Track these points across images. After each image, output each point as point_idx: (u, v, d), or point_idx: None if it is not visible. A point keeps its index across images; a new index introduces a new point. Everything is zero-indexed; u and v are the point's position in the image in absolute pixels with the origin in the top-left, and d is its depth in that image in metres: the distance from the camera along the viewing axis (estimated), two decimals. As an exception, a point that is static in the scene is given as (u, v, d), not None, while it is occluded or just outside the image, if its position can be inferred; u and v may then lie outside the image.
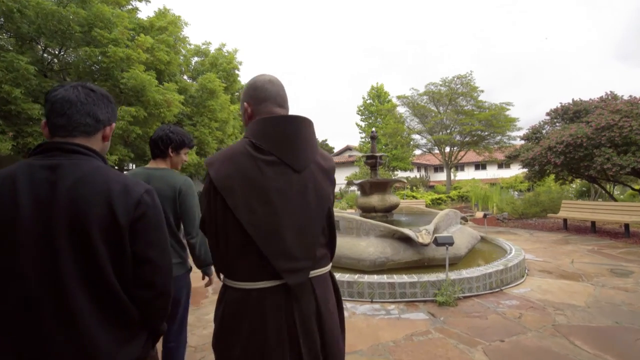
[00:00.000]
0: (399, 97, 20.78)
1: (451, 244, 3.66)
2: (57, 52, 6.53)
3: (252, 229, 0.95)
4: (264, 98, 1.10)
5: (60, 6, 5.80)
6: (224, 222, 0.98)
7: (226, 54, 10.88)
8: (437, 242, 3.66)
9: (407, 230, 4.27)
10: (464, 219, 5.94)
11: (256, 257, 0.97)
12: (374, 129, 6.21)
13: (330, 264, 1.14)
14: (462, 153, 21.35)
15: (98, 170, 0.88)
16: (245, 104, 1.13)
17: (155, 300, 0.93)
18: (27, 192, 0.81)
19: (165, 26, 7.87)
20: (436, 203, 14.97)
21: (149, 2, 8.53)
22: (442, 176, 36.89)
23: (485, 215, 7.00)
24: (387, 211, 5.84)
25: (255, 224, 0.96)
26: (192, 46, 10.81)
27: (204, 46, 10.88)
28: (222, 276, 1.07)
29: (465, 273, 3.79)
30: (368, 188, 5.91)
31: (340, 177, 24.07)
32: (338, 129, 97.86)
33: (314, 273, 1.04)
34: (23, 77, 5.49)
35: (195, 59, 11.05)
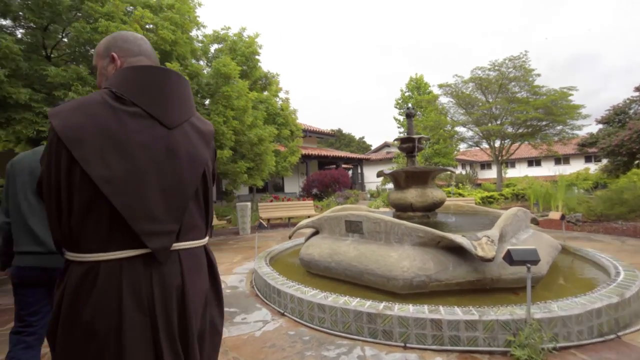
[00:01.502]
0: (440, 86, 18.79)
1: (535, 262, 2.27)
2: (60, 36, 5.94)
3: (106, 187, 0.83)
4: (138, 52, 1.03)
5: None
6: (68, 182, 0.84)
7: (246, 39, 10.02)
8: (510, 258, 2.29)
9: (458, 238, 2.93)
10: (535, 221, 4.40)
11: (107, 220, 0.84)
12: (409, 105, 4.87)
13: (206, 239, 1.04)
14: (514, 147, 18.86)
15: None
16: (113, 54, 1.01)
17: None
18: None
19: (172, 4, 7.10)
20: (487, 202, 13.03)
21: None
22: (490, 173, 33.77)
23: (563, 217, 5.32)
24: (429, 210, 4.48)
25: (111, 181, 0.83)
26: (211, 32, 10.09)
27: (222, 31, 10.12)
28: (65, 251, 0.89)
29: (557, 308, 2.38)
30: (403, 180, 4.59)
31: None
32: (375, 127, 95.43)
33: (182, 245, 0.94)
34: (6, 57, 4.90)
35: (215, 46, 10.33)
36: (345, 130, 50.07)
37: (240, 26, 12.32)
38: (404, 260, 3.04)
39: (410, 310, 2.42)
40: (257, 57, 9.93)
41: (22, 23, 5.83)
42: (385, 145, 32.33)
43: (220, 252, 6.38)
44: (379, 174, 4.87)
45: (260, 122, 10.17)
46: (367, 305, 2.55)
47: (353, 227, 3.73)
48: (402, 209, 4.60)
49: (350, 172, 26.05)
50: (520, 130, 17.74)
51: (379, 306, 2.51)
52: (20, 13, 5.51)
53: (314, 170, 20.97)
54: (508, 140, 18.49)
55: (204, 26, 8.68)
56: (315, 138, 23.56)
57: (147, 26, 6.38)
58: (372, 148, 40.96)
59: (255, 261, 4.26)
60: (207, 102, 8.48)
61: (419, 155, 22.69)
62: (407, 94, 24.85)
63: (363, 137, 48.02)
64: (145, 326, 0.83)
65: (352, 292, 3.18)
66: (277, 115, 13.73)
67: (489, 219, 4.41)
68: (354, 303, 2.60)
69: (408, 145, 4.74)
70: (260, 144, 9.58)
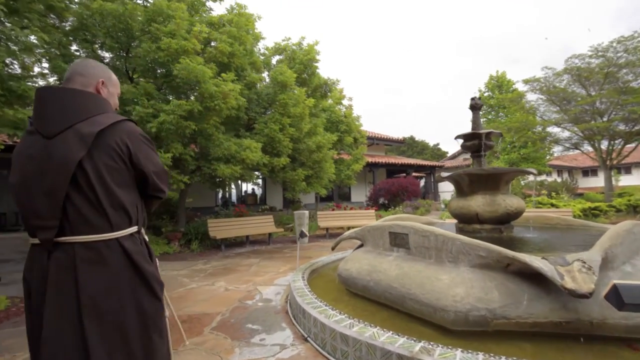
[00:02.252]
0: (526, 82, 16.37)
1: (665, 306, 1.44)
2: (125, 54, 6.62)
3: (11, 192, 1.15)
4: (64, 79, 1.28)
5: (121, 5, 5.76)
6: None
7: (305, 47, 10.03)
8: (619, 298, 1.49)
9: (536, 260, 2.15)
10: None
11: (24, 217, 1.14)
12: (475, 96, 4.04)
13: (115, 233, 1.15)
14: (628, 148, 15.30)
15: None
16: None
17: None
18: None
19: (231, 18, 7.40)
20: (590, 214, 10.68)
21: (222, 0, 8.36)
22: (595, 181, 28.35)
23: None
24: (501, 222, 3.59)
25: (13, 187, 1.13)
26: (272, 44, 10.38)
27: (283, 42, 10.32)
28: None
29: None
30: (467, 185, 3.79)
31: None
32: (451, 132, 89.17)
33: (75, 239, 1.10)
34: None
35: (277, 57, 10.59)
36: (417, 137, 47.64)
37: (300, 35, 12.44)
38: (458, 286, 2.35)
39: (457, 357, 1.77)
40: (315, 64, 9.84)
41: (107, 50, 6.63)
42: (463, 151, 29.61)
43: (270, 261, 6.23)
44: (438, 178, 4.13)
45: (320, 129, 10.02)
46: (399, 343, 1.96)
47: (398, 241, 3.13)
48: (465, 220, 3.80)
49: (422, 181, 24.41)
50: (636, 128, 14.36)
51: (414, 347, 1.91)
52: (105, 41, 6.27)
53: (381, 179, 20.13)
54: (619, 140, 15.14)
55: (263, 38, 8.93)
56: (383, 146, 22.72)
57: (212, 43, 6.70)
58: (448, 155, 37.99)
59: (293, 273, 3.92)
60: (268, 111, 8.61)
61: (500, 160, 20.17)
62: (486, 94, 22.46)
63: (438, 144, 45.00)
64: (40, 287, 1.10)
65: (392, 321, 2.60)
66: (340, 123, 13.50)
67: (590, 236, 3.34)
68: (383, 338, 2.04)
69: (473, 142, 3.92)
70: (318, 151, 9.38)
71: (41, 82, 6.29)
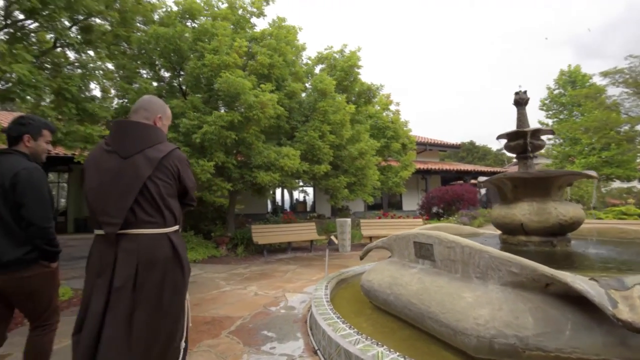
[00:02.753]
0: (605, 74, 14.26)
1: None
2: (176, 73, 7.21)
3: (87, 194, 1.51)
4: (132, 110, 1.69)
5: (170, 28, 6.31)
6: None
7: (347, 54, 9.99)
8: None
9: (581, 282, 1.76)
10: None
11: (93, 214, 1.50)
12: (520, 90, 3.56)
13: (166, 229, 1.53)
14: None
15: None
16: None
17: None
18: None
19: (272, 32, 7.67)
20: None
21: (265, 16, 8.71)
22: None
23: None
24: (553, 233, 3.07)
25: (89, 190, 1.50)
26: (315, 54, 10.53)
27: (326, 51, 10.41)
28: None
29: None
30: (510, 190, 3.34)
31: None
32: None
33: (140, 231, 1.47)
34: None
35: (320, 66, 10.71)
36: (478, 142, 44.40)
37: (342, 43, 12.45)
38: (483, 306, 2.03)
39: (467, 391, 1.50)
40: (357, 70, 9.73)
41: (163, 69, 7.30)
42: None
43: (307, 268, 6.18)
44: (478, 185, 3.72)
45: (365, 135, 9.83)
46: (401, 368, 1.73)
47: (423, 252, 2.84)
48: (509, 231, 3.33)
49: (483, 189, 22.54)
50: None
51: (417, 373, 1.67)
52: (160, 62, 6.92)
53: (435, 186, 19.05)
54: None
55: (304, 49, 9.09)
56: (437, 152, 21.56)
57: (254, 57, 6.99)
58: (514, 160, 34.70)
59: (319, 283, 3.80)
60: (310, 119, 8.71)
61: (576, 165, 17.83)
62: (556, 91, 20.12)
63: (502, 149, 41.46)
64: (102, 265, 1.44)
65: (411, 342, 2.35)
66: (387, 129, 13.13)
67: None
68: (387, 359, 1.82)
69: (517, 142, 3.44)
70: (361, 158, 9.19)
71: (114, 104, 7.15)
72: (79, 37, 6.28)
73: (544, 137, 3.54)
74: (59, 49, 6.00)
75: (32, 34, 5.53)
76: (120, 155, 1.50)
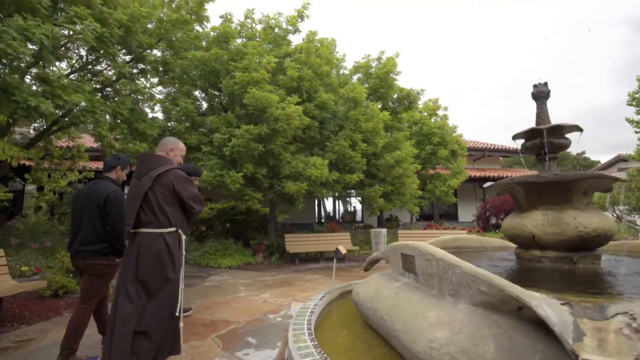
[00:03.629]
0: None
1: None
2: (215, 92, 7.81)
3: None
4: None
5: (208, 52, 6.91)
6: None
7: (384, 60, 9.80)
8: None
9: (545, 306, 1.46)
10: None
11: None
12: (540, 82, 3.11)
13: (161, 229, 2.12)
14: None
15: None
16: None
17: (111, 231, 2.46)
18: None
19: (302, 46, 7.89)
20: None
21: (300, 31, 9.01)
22: None
23: None
24: (574, 248, 2.59)
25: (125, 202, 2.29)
26: (352, 64, 10.53)
27: (363, 59, 10.34)
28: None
29: None
30: (523, 197, 2.92)
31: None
32: (603, 138, 70.70)
33: (144, 230, 2.12)
34: (186, 114, 6.83)
35: (357, 75, 10.67)
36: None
37: (379, 50, 12.26)
38: (442, 327, 1.80)
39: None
40: (393, 75, 9.48)
41: (201, 89, 7.98)
42: (619, 159, 23.03)
43: (331, 278, 6.08)
44: (485, 187, 3.32)
45: (406, 143, 9.48)
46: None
47: (408, 264, 2.63)
48: (521, 245, 2.90)
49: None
50: None
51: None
52: (198, 83, 7.59)
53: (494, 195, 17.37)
54: None
55: (341, 60, 9.16)
56: (497, 158, 19.74)
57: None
58: (599, 164, 29.94)
59: (319, 294, 3.73)
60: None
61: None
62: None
63: (583, 153, 36.21)
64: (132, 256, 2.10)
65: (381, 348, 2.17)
66: (433, 135, 12.46)
67: None
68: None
69: (534, 142, 3.00)
70: (398, 166, 8.84)
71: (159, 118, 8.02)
72: (133, 69, 7.24)
73: (569, 135, 3.04)
74: (120, 81, 6.96)
75: (97, 74, 6.54)
76: (137, 177, 2.20)
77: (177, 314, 2.10)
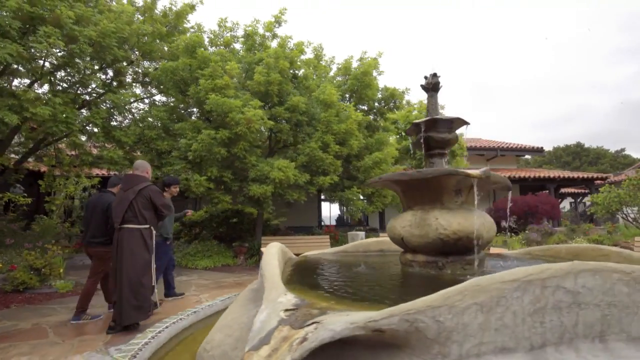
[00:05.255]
0: None
1: None
2: (185, 99, 8.07)
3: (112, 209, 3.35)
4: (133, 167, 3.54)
5: (176, 62, 7.19)
6: None
7: (368, 60, 9.63)
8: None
9: (264, 312, 1.37)
10: None
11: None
12: (431, 73, 2.92)
13: (139, 225, 3.21)
14: None
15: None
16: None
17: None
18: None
19: (274, 51, 7.95)
20: None
21: (277, 37, 9.08)
22: None
23: None
24: (442, 252, 2.39)
25: (112, 207, 3.32)
26: (336, 66, 10.46)
27: (345, 60, 10.22)
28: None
29: None
30: (402, 196, 2.75)
31: None
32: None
33: (127, 226, 3.18)
34: (161, 121, 7.14)
35: (343, 77, 10.57)
36: (593, 144, 36.69)
37: (361, 50, 12.06)
38: (221, 330, 1.73)
39: None
40: (375, 74, 9.28)
41: (171, 95, 8.26)
42: (658, 155, 20.98)
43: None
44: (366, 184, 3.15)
45: (392, 143, 9.25)
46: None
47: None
48: (400, 247, 2.73)
49: (586, 198, 18.43)
50: None
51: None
52: (170, 90, 7.87)
53: (513, 197, 16.41)
54: None
55: (327, 61, 9.09)
56: (513, 157, 18.67)
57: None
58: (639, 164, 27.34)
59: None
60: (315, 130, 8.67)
61: None
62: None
63: (623, 149, 33.34)
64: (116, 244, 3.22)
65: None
66: (427, 134, 12.00)
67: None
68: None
69: (418, 137, 2.82)
70: (377, 168, 8.62)
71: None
72: (112, 81, 7.66)
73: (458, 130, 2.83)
74: (102, 95, 7.37)
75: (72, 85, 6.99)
76: (123, 190, 3.28)
77: (152, 284, 3.32)
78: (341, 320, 1.16)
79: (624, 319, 1.30)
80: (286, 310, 1.36)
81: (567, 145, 35.65)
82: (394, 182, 2.66)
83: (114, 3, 7.66)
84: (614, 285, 1.27)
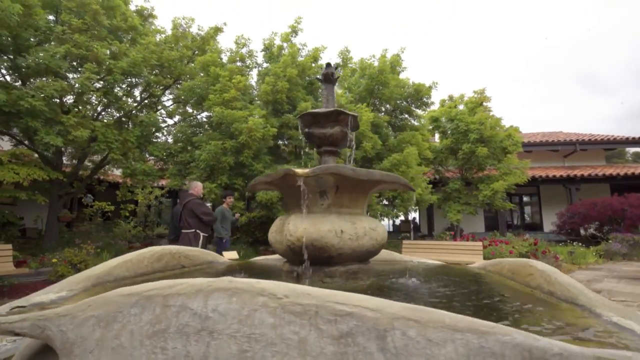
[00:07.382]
0: None
1: None
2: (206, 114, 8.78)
3: (173, 216, 5.04)
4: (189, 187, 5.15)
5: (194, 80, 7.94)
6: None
7: (388, 58, 9.16)
8: None
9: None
10: None
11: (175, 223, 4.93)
12: (331, 63, 2.67)
13: (187, 230, 4.60)
14: None
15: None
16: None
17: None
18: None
19: (285, 60, 8.16)
20: None
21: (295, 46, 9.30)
22: None
23: None
24: (300, 261, 2.17)
25: (172, 214, 5.17)
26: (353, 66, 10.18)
27: (367, 60, 9.85)
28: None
29: None
30: (287, 197, 2.58)
31: None
32: None
33: (185, 231, 4.61)
34: (184, 134, 7.98)
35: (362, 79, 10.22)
36: None
37: (382, 48, 11.45)
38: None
39: None
40: (389, 74, 8.74)
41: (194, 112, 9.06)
42: None
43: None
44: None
45: (422, 144, 8.64)
46: None
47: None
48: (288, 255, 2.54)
49: None
50: None
51: None
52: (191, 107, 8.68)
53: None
54: None
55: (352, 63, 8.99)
56: (600, 151, 15.50)
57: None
58: None
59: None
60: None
61: None
62: None
63: None
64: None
65: None
66: (469, 132, 10.79)
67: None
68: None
69: (305, 131, 2.59)
70: (395, 170, 8.08)
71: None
72: (144, 102, 8.82)
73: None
74: (132, 113, 8.58)
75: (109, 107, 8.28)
76: (180, 203, 4.76)
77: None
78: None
79: (269, 360, 0.98)
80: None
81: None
82: (267, 184, 2.52)
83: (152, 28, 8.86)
84: (255, 312, 0.99)
